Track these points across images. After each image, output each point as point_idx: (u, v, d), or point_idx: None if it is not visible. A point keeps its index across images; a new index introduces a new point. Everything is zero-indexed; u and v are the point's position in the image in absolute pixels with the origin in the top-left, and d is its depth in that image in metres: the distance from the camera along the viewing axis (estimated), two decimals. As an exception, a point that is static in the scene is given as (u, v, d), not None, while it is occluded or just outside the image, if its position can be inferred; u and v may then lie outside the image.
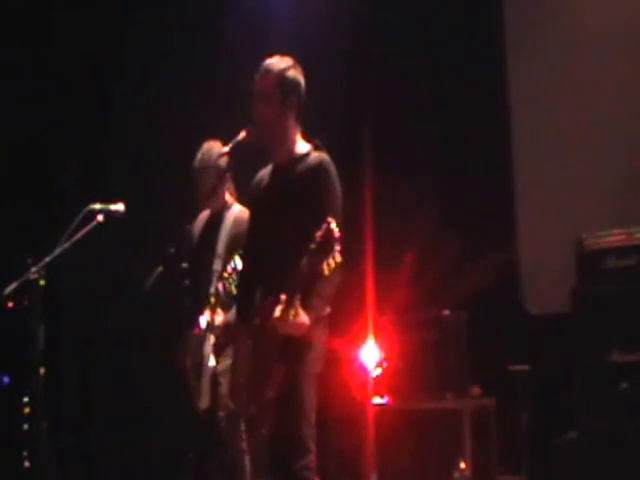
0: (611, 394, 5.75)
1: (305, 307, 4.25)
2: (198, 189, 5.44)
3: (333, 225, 4.00)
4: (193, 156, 5.55)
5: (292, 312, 4.20)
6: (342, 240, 4.20)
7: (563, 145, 6.86)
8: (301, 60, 4.63)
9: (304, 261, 4.08)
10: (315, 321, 4.34)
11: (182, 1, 7.58)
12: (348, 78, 7.20)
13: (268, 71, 4.59)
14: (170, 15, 7.50)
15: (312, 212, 4.22)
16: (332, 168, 4.52)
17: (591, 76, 6.78)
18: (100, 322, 7.28)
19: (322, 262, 4.02)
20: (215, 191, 5.40)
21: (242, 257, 4.92)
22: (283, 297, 4.21)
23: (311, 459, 4.41)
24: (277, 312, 4.22)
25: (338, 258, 4.02)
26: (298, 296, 4.19)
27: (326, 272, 4.04)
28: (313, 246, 4.02)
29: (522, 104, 7.10)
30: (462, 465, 6.17)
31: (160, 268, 4.71)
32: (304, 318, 4.24)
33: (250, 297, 4.63)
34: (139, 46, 7.57)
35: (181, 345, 5.47)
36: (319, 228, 4.02)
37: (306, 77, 4.62)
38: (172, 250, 4.64)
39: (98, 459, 7.31)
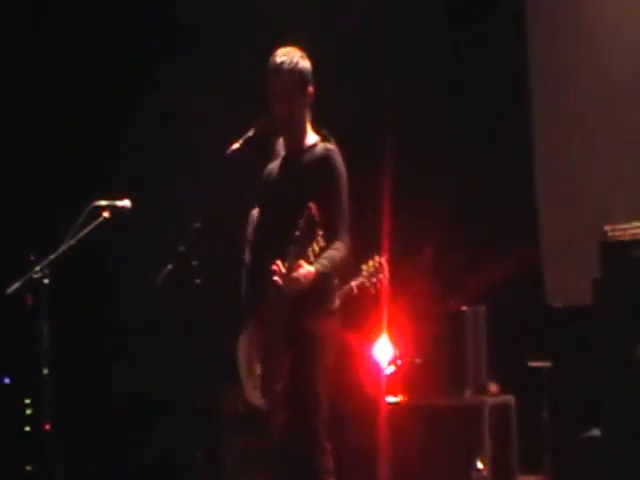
0: (635, 389, 5.62)
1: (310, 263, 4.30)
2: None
3: (314, 211, 4.12)
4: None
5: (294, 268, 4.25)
6: (325, 227, 4.23)
7: (586, 135, 6.89)
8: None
9: (291, 249, 4.23)
10: (321, 274, 4.31)
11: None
12: (372, 77, 7.19)
13: (284, 70, 4.55)
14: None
15: (318, 202, 4.20)
16: (338, 158, 4.56)
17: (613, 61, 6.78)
18: (108, 320, 7.17)
19: (306, 248, 4.16)
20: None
21: (250, 249, 4.92)
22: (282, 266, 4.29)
23: (327, 459, 4.40)
24: (279, 279, 4.28)
25: (322, 243, 4.16)
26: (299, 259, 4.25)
27: (312, 258, 4.21)
28: (297, 233, 4.16)
29: (543, 90, 7.10)
30: (480, 465, 6.09)
31: (169, 266, 4.59)
32: (308, 267, 4.27)
33: (259, 289, 4.56)
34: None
35: None
36: (302, 215, 4.14)
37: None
38: (182, 248, 4.53)
39: (103, 459, 7.19)
